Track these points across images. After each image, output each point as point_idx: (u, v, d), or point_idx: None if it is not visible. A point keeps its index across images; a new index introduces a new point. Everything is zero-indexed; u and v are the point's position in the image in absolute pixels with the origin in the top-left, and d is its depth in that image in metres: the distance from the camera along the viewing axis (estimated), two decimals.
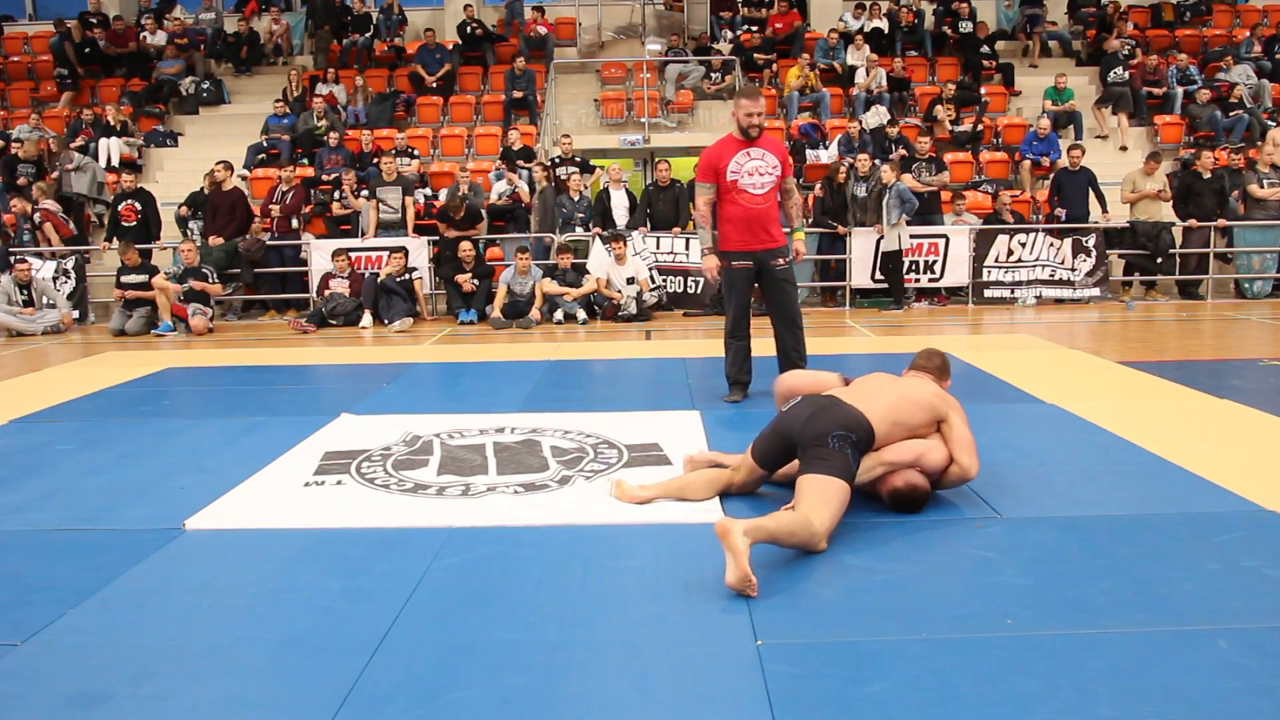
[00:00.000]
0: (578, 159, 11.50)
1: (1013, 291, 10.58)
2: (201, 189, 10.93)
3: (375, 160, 11.23)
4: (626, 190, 11.00)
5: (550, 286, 9.76)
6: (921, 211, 10.63)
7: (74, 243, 10.99)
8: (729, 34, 14.80)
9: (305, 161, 12.18)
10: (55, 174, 11.72)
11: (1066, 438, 4.69)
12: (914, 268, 10.47)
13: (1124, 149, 12.92)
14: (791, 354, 5.53)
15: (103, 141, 12.65)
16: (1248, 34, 14.49)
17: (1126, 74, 13.38)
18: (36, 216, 10.86)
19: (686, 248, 10.42)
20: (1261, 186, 10.79)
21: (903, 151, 11.51)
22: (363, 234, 10.62)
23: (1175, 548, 3.19)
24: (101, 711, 2.31)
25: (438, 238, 10.43)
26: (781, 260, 5.46)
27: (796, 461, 3.43)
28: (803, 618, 2.72)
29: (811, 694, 2.31)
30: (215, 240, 10.45)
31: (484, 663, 2.49)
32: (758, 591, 2.82)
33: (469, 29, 14.54)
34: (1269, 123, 12.50)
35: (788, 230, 5.59)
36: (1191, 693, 2.28)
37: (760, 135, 5.38)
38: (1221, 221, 10.66)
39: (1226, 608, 2.74)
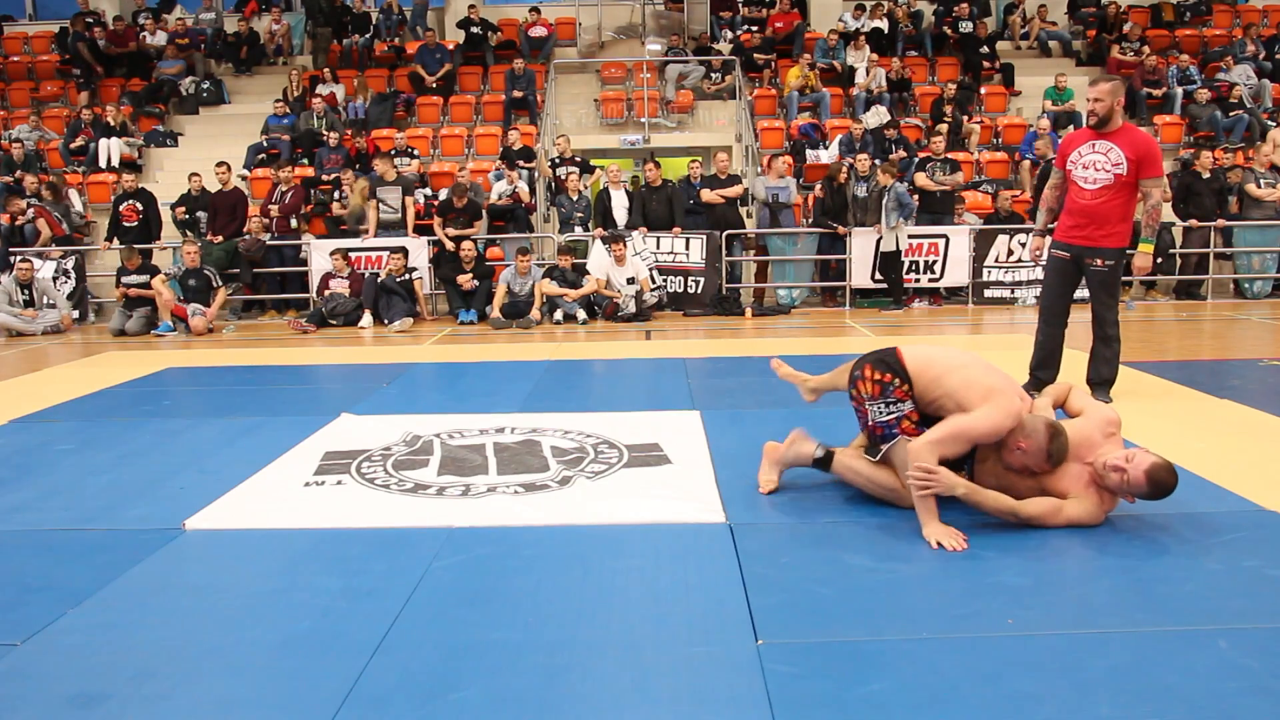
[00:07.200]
0: (577, 159, 11.50)
1: (1013, 291, 10.58)
2: (189, 190, 10.92)
3: (373, 161, 11.24)
4: (626, 190, 11.00)
5: (550, 287, 9.75)
6: (935, 211, 10.64)
7: (66, 244, 10.99)
8: (729, 34, 14.80)
9: (305, 161, 12.19)
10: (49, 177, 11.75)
11: None
12: (914, 268, 10.47)
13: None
14: (1100, 365, 5.30)
15: (103, 142, 12.66)
16: (1243, 34, 14.48)
17: None
18: (30, 212, 10.87)
19: (686, 248, 10.42)
20: (1259, 186, 10.79)
21: (902, 152, 11.52)
22: (363, 234, 10.63)
23: (1176, 548, 3.19)
24: (101, 711, 2.31)
25: (437, 238, 10.42)
26: (1099, 261, 5.14)
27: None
28: (803, 618, 2.72)
29: (811, 694, 2.31)
30: (216, 239, 10.46)
31: (484, 663, 2.49)
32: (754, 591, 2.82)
33: (471, 28, 14.56)
34: (1269, 123, 12.50)
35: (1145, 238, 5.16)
36: (1192, 693, 2.28)
37: (1107, 125, 5.03)
38: (1221, 222, 10.67)
39: (1227, 608, 2.74)
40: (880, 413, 3.45)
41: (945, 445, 3.27)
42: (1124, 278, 11.22)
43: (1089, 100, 5.07)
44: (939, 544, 3.17)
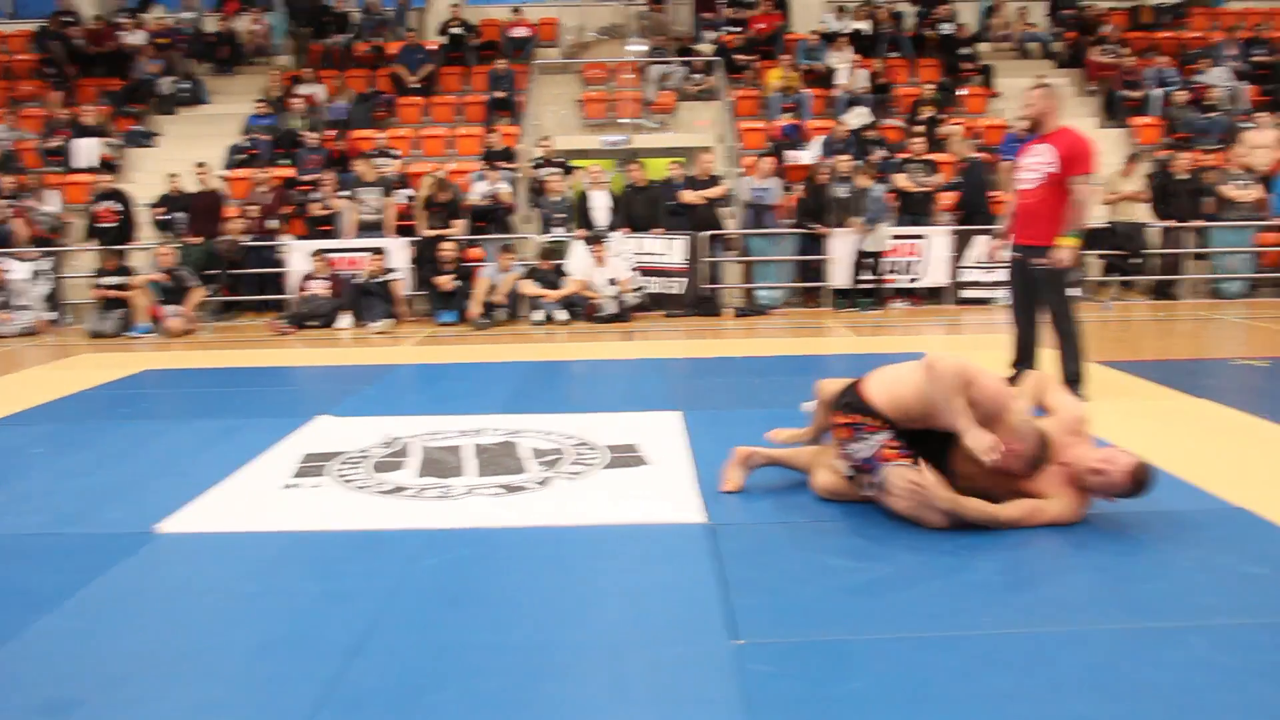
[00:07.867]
0: (560, 160, 11.48)
1: (992, 291, 10.62)
2: (168, 191, 10.84)
3: (353, 162, 11.18)
4: (609, 191, 10.98)
5: (530, 288, 9.75)
6: (914, 212, 10.68)
7: (44, 245, 10.87)
8: (711, 35, 14.81)
9: (285, 162, 12.11)
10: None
11: None
12: (893, 268, 10.51)
13: None
14: (1064, 363, 5.32)
15: (80, 142, 12.53)
16: (1223, 37, 14.60)
17: None
18: (9, 212, 10.77)
19: (667, 248, 10.42)
20: (1235, 188, 10.88)
21: (883, 153, 11.56)
22: (343, 235, 10.57)
23: (1150, 545, 3.22)
24: (75, 718, 2.29)
25: (417, 239, 10.38)
26: (1037, 260, 5.28)
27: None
28: (782, 617, 2.72)
29: (790, 693, 2.31)
30: (196, 240, 10.38)
31: (462, 665, 2.49)
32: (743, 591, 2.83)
33: (451, 29, 14.52)
34: (1245, 125, 12.61)
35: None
36: (1166, 689, 2.30)
37: (1043, 129, 5.25)
38: (1197, 223, 10.77)
39: (1201, 605, 2.76)
40: (858, 451, 3.45)
41: (974, 386, 3.30)
42: (1103, 278, 11.30)
43: (1023, 107, 5.37)
44: (988, 453, 3.17)
